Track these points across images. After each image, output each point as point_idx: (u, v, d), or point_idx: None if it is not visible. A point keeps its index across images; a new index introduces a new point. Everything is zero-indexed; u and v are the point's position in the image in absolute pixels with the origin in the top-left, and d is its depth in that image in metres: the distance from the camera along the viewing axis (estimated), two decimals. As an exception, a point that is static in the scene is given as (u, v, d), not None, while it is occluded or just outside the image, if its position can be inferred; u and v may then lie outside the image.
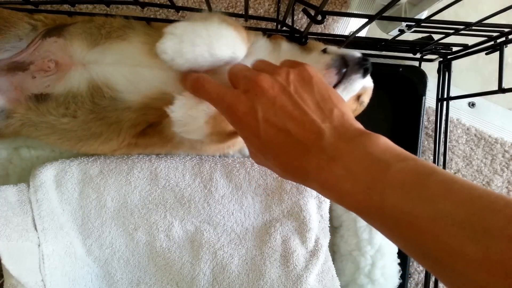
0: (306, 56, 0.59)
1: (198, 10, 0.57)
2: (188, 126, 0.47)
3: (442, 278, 0.29)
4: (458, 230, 0.27)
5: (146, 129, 0.56)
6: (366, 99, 0.64)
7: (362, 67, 0.54)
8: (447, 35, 0.63)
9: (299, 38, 0.62)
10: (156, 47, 0.47)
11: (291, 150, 0.38)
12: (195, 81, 0.46)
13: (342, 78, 0.54)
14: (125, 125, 0.55)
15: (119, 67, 0.52)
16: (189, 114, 0.46)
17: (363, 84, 0.58)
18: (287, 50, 0.60)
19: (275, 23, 0.66)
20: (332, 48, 0.57)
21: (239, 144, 0.62)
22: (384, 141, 0.35)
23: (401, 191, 0.31)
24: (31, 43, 0.54)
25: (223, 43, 0.48)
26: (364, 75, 0.55)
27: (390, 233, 0.33)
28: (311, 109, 0.39)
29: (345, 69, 0.54)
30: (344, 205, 0.36)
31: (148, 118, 0.55)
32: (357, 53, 0.55)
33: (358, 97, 0.60)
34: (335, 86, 0.55)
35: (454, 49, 0.71)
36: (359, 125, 0.39)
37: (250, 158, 0.64)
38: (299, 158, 0.37)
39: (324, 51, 0.57)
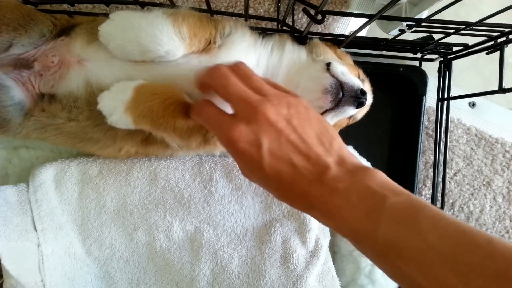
0: (310, 65, 0.58)
1: (199, 10, 0.57)
2: (113, 116, 0.49)
3: None
4: (443, 263, 0.30)
5: (148, 137, 0.56)
6: (359, 115, 0.63)
7: (358, 100, 0.54)
8: (448, 34, 0.62)
9: (299, 38, 0.62)
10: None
11: (295, 182, 0.39)
12: (199, 104, 0.46)
13: (335, 106, 0.53)
14: (120, 133, 0.55)
15: (111, 65, 0.52)
16: (109, 104, 0.49)
17: (355, 112, 0.57)
18: (291, 51, 0.59)
19: (275, 23, 0.65)
20: (336, 67, 0.55)
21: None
22: (381, 176, 0.38)
23: (393, 222, 0.33)
24: (45, 41, 0.54)
25: (149, 34, 0.48)
26: (358, 107, 0.55)
27: (380, 261, 0.35)
28: (314, 142, 0.40)
29: (340, 98, 0.53)
30: (341, 233, 0.38)
31: None
32: (357, 83, 0.54)
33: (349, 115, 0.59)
34: (326, 111, 0.54)
35: (455, 48, 0.70)
36: (356, 159, 0.41)
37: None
38: (302, 189, 0.39)
39: (328, 65, 0.55)
